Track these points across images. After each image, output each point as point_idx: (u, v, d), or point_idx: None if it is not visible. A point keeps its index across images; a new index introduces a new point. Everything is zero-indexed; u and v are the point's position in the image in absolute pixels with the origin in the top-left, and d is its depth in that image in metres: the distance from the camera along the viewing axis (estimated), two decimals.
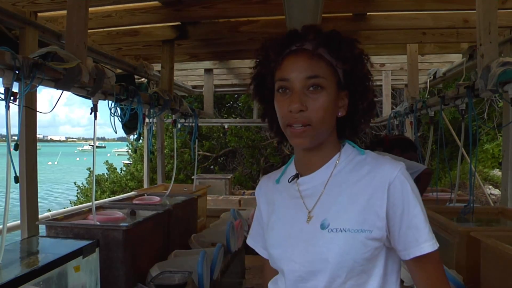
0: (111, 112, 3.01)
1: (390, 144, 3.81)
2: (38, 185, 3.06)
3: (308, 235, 1.12)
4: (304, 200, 1.17)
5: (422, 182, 3.49)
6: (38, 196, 3.04)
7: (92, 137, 2.80)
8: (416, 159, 3.89)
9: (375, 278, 1.09)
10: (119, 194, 10.49)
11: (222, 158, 13.29)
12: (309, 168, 1.19)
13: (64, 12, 2.77)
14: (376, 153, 3.77)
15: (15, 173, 1.96)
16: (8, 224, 3.08)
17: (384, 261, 1.11)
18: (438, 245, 1.09)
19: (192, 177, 6.33)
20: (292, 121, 1.09)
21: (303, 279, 1.11)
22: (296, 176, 1.22)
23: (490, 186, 9.61)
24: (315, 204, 1.15)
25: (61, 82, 2.35)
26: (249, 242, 1.37)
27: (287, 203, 1.22)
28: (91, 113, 2.76)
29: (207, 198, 5.17)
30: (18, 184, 2.17)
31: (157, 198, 3.82)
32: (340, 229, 1.08)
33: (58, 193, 25.65)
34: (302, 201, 1.18)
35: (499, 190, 7.88)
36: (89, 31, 2.98)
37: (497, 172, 9.89)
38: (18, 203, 2.89)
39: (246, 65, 5.89)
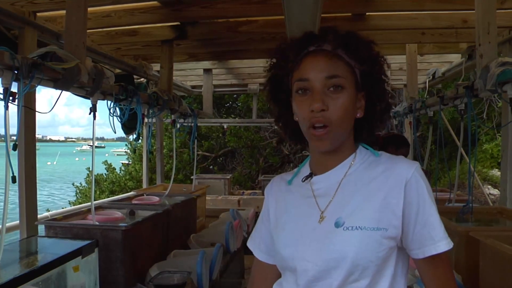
0: (110, 112, 3.01)
1: (384, 141, 3.84)
2: (38, 185, 3.06)
3: (322, 234, 1.11)
4: (317, 199, 1.17)
5: None
6: (40, 196, 3.03)
7: (91, 137, 2.80)
8: (408, 154, 3.92)
9: (386, 280, 1.09)
10: (118, 194, 10.48)
11: (221, 158, 13.29)
12: (324, 168, 1.19)
13: (63, 12, 2.76)
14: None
15: (13, 173, 1.96)
16: (7, 224, 3.08)
17: (395, 263, 1.11)
18: (452, 243, 1.09)
19: (191, 177, 6.33)
20: (315, 121, 1.09)
21: (316, 278, 1.10)
22: (310, 176, 1.21)
23: (489, 186, 9.61)
24: (329, 204, 1.14)
25: (60, 82, 2.34)
26: (249, 244, 1.36)
27: (299, 202, 1.21)
28: (90, 113, 2.76)
29: (206, 198, 5.17)
30: (16, 184, 2.16)
31: (156, 198, 3.82)
32: (356, 227, 1.07)
33: (57, 193, 25.64)
34: (314, 200, 1.17)
35: (498, 190, 7.89)
36: (88, 31, 2.98)
37: (496, 172, 9.89)
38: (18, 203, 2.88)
39: (245, 65, 5.89)
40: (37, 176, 3.00)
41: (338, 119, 1.09)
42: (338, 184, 1.15)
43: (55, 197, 24.23)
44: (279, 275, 1.26)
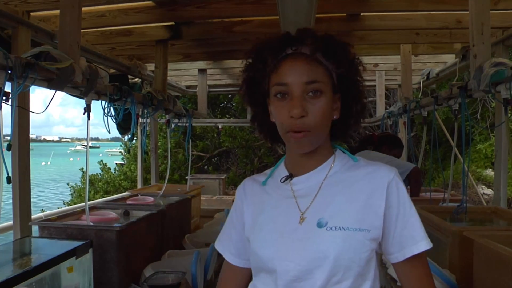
0: (104, 112, 3.00)
1: (379, 141, 3.86)
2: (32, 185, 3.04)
3: (304, 234, 1.10)
4: (297, 200, 1.16)
5: (413, 180, 3.52)
6: (34, 197, 3.02)
7: (86, 137, 2.79)
8: (401, 154, 3.94)
9: (368, 282, 1.10)
10: (112, 194, 10.46)
11: (216, 158, 13.29)
12: (303, 169, 1.19)
13: (57, 11, 2.75)
14: (367, 152, 3.77)
15: (7, 174, 1.95)
16: (1, 225, 3.07)
17: (375, 266, 1.12)
18: (431, 244, 1.12)
19: (186, 177, 6.31)
20: (294, 127, 1.08)
21: (298, 278, 1.09)
22: (290, 177, 1.20)
23: (483, 186, 9.66)
24: (310, 204, 1.14)
25: (54, 82, 2.34)
26: (217, 246, 1.34)
27: (277, 203, 1.19)
28: (84, 113, 2.75)
29: (201, 198, 5.17)
30: (9, 184, 2.15)
31: (151, 199, 3.81)
32: (340, 227, 1.08)
33: (53, 194, 25.55)
34: (295, 201, 1.16)
35: (492, 190, 7.92)
36: (82, 31, 2.97)
37: (490, 172, 9.94)
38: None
39: (240, 65, 5.74)
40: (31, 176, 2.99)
41: (317, 124, 1.09)
42: (320, 185, 1.16)
43: (44, 198, 24.15)
44: (249, 278, 1.25)
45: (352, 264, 1.06)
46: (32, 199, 3.02)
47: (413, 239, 1.10)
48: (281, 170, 1.24)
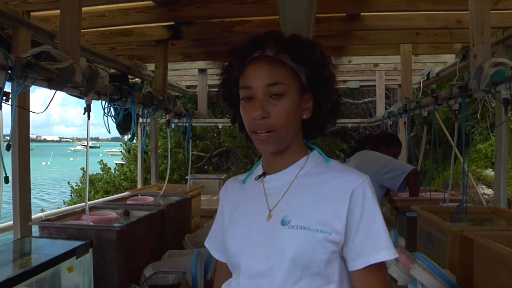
0: (104, 112, 3.00)
1: (377, 140, 3.85)
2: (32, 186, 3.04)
3: (269, 230, 1.13)
4: (267, 198, 1.19)
5: (412, 182, 3.51)
6: (38, 197, 3.03)
7: (86, 137, 2.79)
8: (400, 153, 3.93)
9: (332, 286, 1.10)
10: (112, 194, 10.46)
11: (216, 158, 13.29)
12: (275, 168, 1.22)
13: (57, 11, 2.75)
14: (365, 152, 3.75)
15: (5, 174, 1.95)
16: (1, 225, 3.07)
17: (339, 271, 1.12)
18: (396, 255, 1.10)
19: (186, 177, 6.32)
20: (256, 128, 1.12)
21: (261, 274, 1.11)
22: (263, 175, 1.24)
23: (483, 186, 9.66)
24: (278, 202, 1.17)
25: (54, 82, 2.34)
26: (206, 243, 1.38)
27: (250, 200, 1.23)
28: (84, 113, 2.75)
29: (201, 198, 5.17)
30: (9, 184, 2.15)
31: (151, 198, 3.81)
32: (301, 226, 1.09)
33: (53, 194, 25.59)
34: (265, 198, 1.20)
35: (492, 189, 7.93)
36: (82, 31, 2.97)
37: (490, 172, 9.94)
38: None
39: None
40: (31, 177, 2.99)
41: (280, 124, 1.11)
42: (289, 184, 1.18)
43: (49, 198, 24.17)
44: None
45: (311, 264, 1.07)
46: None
47: (373, 248, 1.09)
48: (259, 169, 1.28)
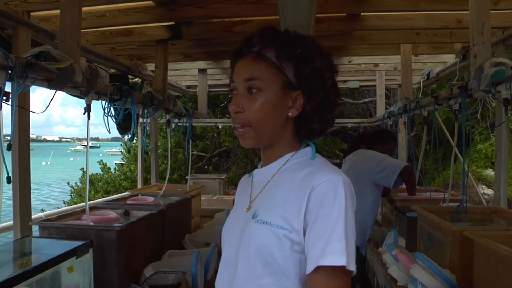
0: (104, 112, 3.00)
1: (371, 138, 3.83)
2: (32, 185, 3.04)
3: (243, 222, 1.16)
4: (252, 191, 1.23)
5: (406, 179, 3.49)
6: (36, 197, 3.03)
7: (86, 137, 2.79)
8: (395, 148, 3.91)
9: (292, 285, 1.07)
10: (113, 194, 10.46)
11: (216, 158, 13.29)
12: (265, 162, 1.24)
13: (57, 11, 2.75)
14: (361, 151, 3.73)
15: (7, 174, 1.95)
16: (1, 225, 3.07)
17: (300, 270, 1.07)
18: (343, 262, 1.00)
19: (186, 177, 6.32)
20: (233, 121, 1.16)
21: (233, 264, 1.14)
22: (254, 168, 1.30)
23: (483, 186, 9.67)
24: (257, 195, 1.19)
25: (54, 82, 2.34)
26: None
27: (243, 193, 1.29)
28: (84, 113, 2.75)
29: (201, 198, 5.17)
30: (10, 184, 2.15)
31: (151, 198, 3.81)
32: (264, 221, 1.10)
33: (53, 194, 25.65)
34: (250, 191, 1.23)
35: (492, 189, 7.93)
36: (82, 30, 2.97)
37: (490, 172, 9.95)
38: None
39: None
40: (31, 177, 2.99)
41: (255, 120, 1.12)
42: (270, 178, 1.19)
43: (49, 197, 24.20)
44: None
45: (272, 260, 1.07)
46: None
47: (322, 251, 1.01)
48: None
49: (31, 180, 3.03)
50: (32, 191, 3.02)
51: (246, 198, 1.23)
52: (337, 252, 1.01)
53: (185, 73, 6.39)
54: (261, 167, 1.26)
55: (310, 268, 1.03)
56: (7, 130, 2.53)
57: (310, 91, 1.15)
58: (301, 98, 1.15)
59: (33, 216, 3.02)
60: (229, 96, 1.21)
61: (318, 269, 1.01)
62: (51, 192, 25.57)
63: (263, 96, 1.12)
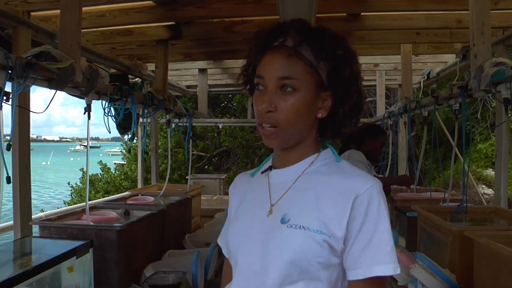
0: (104, 112, 3.00)
1: (359, 135, 3.72)
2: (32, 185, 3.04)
3: (268, 228, 1.07)
4: (271, 193, 1.13)
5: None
6: (37, 197, 3.03)
7: (86, 137, 2.79)
8: (386, 140, 3.86)
9: None
10: (113, 194, 10.46)
11: (216, 158, 13.29)
12: (283, 163, 1.16)
13: (58, 11, 2.76)
14: (348, 152, 3.65)
15: (7, 174, 1.95)
16: (1, 225, 3.07)
17: (338, 278, 1.05)
18: (397, 270, 1.00)
19: (186, 177, 6.32)
20: (261, 121, 1.07)
21: (255, 273, 1.05)
22: (270, 169, 1.18)
23: (484, 186, 9.66)
24: (280, 198, 1.10)
25: (55, 82, 2.34)
26: (219, 241, 1.31)
27: (255, 195, 1.17)
28: (84, 113, 2.75)
29: (201, 198, 5.17)
30: (10, 184, 2.15)
31: (151, 198, 3.81)
32: (301, 226, 1.03)
33: (53, 194, 25.68)
34: (268, 193, 1.14)
35: (492, 189, 7.92)
36: (82, 30, 2.97)
37: (490, 172, 9.94)
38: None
39: (240, 65, 5.79)
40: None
41: (286, 121, 1.05)
42: (294, 180, 1.11)
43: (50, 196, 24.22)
44: None
45: (310, 267, 1.01)
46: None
47: (370, 261, 0.99)
48: (269, 163, 1.22)
49: (31, 180, 3.02)
50: (32, 191, 3.02)
51: (264, 200, 1.13)
52: (388, 261, 1.00)
53: (185, 73, 6.39)
54: (277, 167, 1.17)
55: (356, 276, 1.01)
56: (7, 130, 2.54)
57: (344, 94, 1.09)
58: (330, 99, 1.10)
59: (33, 216, 3.02)
60: (257, 88, 1.10)
61: (367, 278, 0.99)
62: (51, 192, 25.65)
63: (297, 96, 1.05)
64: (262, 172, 1.20)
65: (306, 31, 1.07)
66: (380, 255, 1.00)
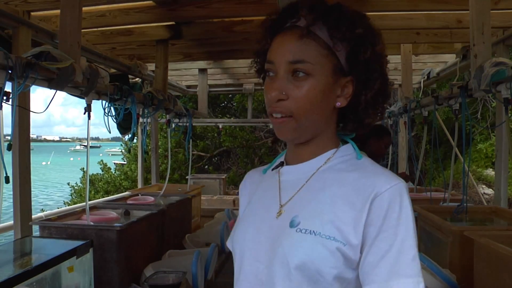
0: (104, 112, 3.00)
1: (364, 135, 3.73)
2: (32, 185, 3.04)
3: (276, 231, 0.95)
4: (281, 192, 1.01)
5: None
6: (37, 197, 3.03)
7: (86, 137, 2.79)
8: (391, 141, 3.86)
9: None
10: (113, 194, 10.46)
11: (216, 158, 13.29)
12: (296, 159, 1.03)
13: (58, 11, 2.76)
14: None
15: (6, 173, 1.95)
16: (1, 225, 3.07)
17: None
18: (422, 285, 0.85)
19: (186, 177, 6.32)
20: (271, 110, 0.95)
21: (262, 282, 0.94)
22: (281, 164, 1.06)
23: (484, 186, 9.66)
24: (291, 198, 0.98)
25: (55, 82, 2.34)
26: (227, 243, 1.15)
27: (264, 194, 1.05)
28: (84, 113, 2.75)
29: (201, 198, 5.17)
30: (10, 184, 2.15)
31: (151, 198, 3.81)
32: (311, 231, 0.90)
33: (53, 194, 25.69)
34: (278, 192, 1.01)
35: (492, 189, 7.92)
36: (82, 30, 2.97)
37: (490, 172, 9.94)
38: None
39: (240, 65, 5.89)
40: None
41: (299, 110, 0.93)
42: (307, 178, 0.98)
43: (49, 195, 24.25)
44: None
45: (318, 277, 0.88)
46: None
47: (389, 273, 0.85)
48: (282, 158, 1.10)
49: (31, 180, 3.02)
50: (32, 190, 3.02)
51: (273, 200, 1.01)
52: (413, 274, 0.85)
53: (185, 73, 6.39)
54: (289, 163, 1.04)
55: None
56: (7, 130, 2.54)
57: (366, 79, 0.96)
58: (351, 86, 0.97)
59: (33, 216, 3.02)
60: (268, 74, 0.95)
61: None
62: (51, 192, 25.68)
63: (311, 82, 0.92)
64: (272, 169, 1.09)
65: (320, 8, 0.94)
66: (399, 266, 0.85)
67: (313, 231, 0.89)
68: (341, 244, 0.87)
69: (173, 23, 3.98)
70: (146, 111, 3.66)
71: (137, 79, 5.14)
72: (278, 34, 0.97)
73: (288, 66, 0.93)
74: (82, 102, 2.77)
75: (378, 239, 0.87)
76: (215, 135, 12.49)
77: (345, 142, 1.04)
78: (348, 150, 1.01)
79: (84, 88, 2.63)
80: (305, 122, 0.94)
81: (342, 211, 0.90)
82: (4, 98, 1.95)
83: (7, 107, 2.00)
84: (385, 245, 0.86)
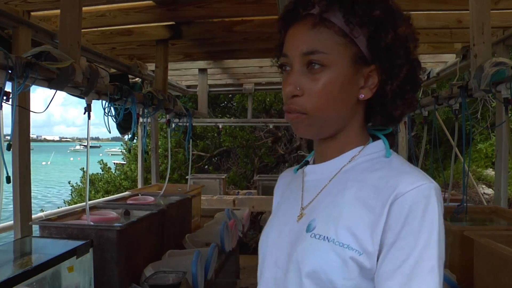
0: (105, 112, 3.00)
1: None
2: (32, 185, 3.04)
3: (295, 236, 0.90)
4: (304, 193, 0.95)
5: None
6: (37, 197, 3.03)
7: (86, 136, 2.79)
8: (394, 142, 3.87)
9: None
10: (113, 194, 10.46)
11: (216, 158, 13.27)
12: (321, 157, 0.96)
13: (58, 11, 2.75)
14: None
15: (7, 173, 1.95)
16: (1, 225, 3.08)
17: None
18: None
19: (186, 177, 6.32)
20: (286, 107, 0.89)
21: None
22: (306, 164, 1.01)
23: (484, 186, 9.65)
24: (312, 200, 0.92)
25: (55, 82, 2.34)
26: None
27: (290, 195, 1.00)
28: (84, 113, 2.75)
29: (201, 198, 5.16)
30: (10, 184, 2.15)
31: (151, 198, 3.81)
32: (325, 237, 0.83)
33: (53, 194, 25.71)
34: (301, 193, 0.95)
35: (493, 189, 7.92)
36: (82, 30, 2.97)
37: (490, 172, 9.93)
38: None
39: (240, 65, 5.89)
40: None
41: (315, 107, 0.86)
42: (330, 179, 0.92)
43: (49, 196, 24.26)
44: None
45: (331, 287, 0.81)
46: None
47: (405, 285, 0.76)
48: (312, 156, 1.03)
49: (31, 179, 3.02)
50: (32, 190, 3.02)
51: (296, 202, 0.95)
52: (430, 285, 0.77)
53: (185, 73, 6.39)
54: (315, 162, 0.98)
55: None
56: (7, 130, 2.54)
57: (391, 66, 0.88)
58: (376, 76, 0.89)
59: (33, 216, 3.02)
60: (284, 69, 0.89)
61: None
62: (51, 192, 25.71)
63: (328, 74, 0.85)
64: (297, 168, 1.03)
65: None
66: (413, 280, 0.76)
67: (327, 237, 0.83)
68: (356, 253, 0.81)
69: (173, 23, 3.98)
70: (146, 111, 3.66)
71: (137, 79, 5.14)
72: (292, 25, 0.91)
73: (302, 58, 0.87)
74: (82, 102, 2.77)
75: (395, 247, 0.79)
76: (215, 135, 12.48)
77: (377, 139, 0.96)
78: (377, 147, 0.94)
79: (84, 88, 2.63)
80: (322, 118, 0.88)
81: (359, 215, 0.83)
82: (4, 98, 1.95)
83: (7, 107, 2.00)
84: (402, 254, 0.78)
